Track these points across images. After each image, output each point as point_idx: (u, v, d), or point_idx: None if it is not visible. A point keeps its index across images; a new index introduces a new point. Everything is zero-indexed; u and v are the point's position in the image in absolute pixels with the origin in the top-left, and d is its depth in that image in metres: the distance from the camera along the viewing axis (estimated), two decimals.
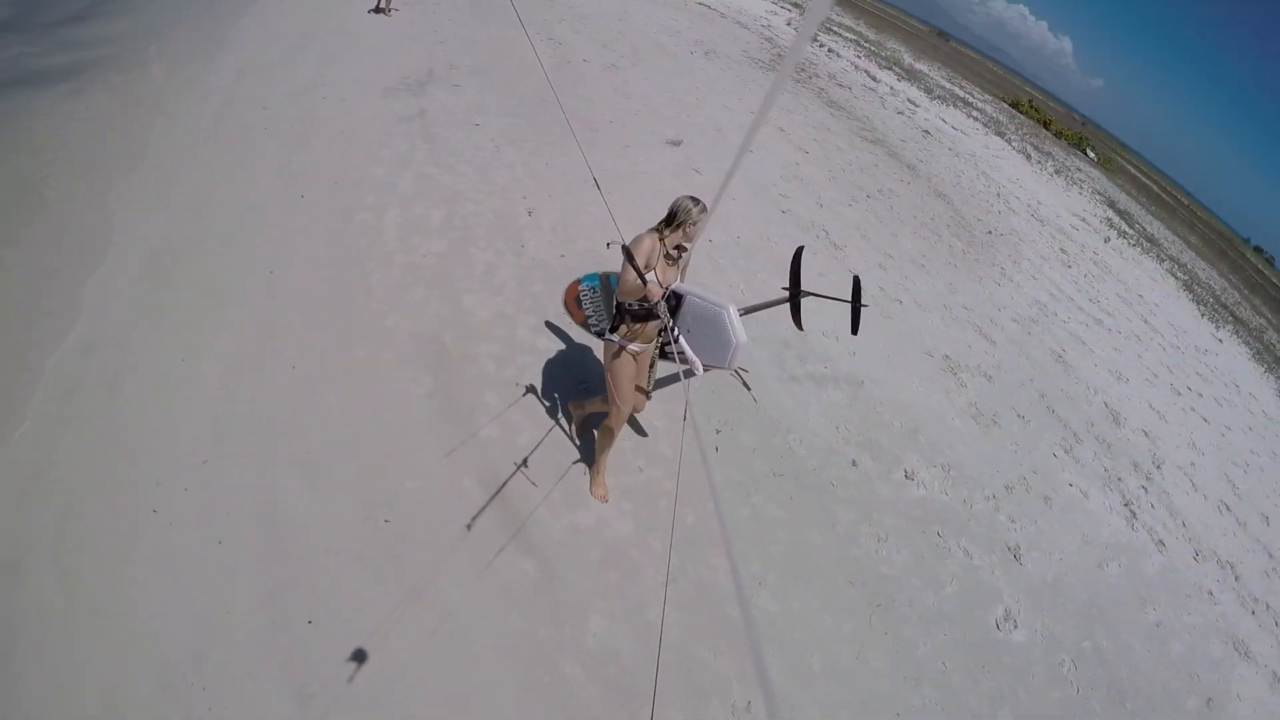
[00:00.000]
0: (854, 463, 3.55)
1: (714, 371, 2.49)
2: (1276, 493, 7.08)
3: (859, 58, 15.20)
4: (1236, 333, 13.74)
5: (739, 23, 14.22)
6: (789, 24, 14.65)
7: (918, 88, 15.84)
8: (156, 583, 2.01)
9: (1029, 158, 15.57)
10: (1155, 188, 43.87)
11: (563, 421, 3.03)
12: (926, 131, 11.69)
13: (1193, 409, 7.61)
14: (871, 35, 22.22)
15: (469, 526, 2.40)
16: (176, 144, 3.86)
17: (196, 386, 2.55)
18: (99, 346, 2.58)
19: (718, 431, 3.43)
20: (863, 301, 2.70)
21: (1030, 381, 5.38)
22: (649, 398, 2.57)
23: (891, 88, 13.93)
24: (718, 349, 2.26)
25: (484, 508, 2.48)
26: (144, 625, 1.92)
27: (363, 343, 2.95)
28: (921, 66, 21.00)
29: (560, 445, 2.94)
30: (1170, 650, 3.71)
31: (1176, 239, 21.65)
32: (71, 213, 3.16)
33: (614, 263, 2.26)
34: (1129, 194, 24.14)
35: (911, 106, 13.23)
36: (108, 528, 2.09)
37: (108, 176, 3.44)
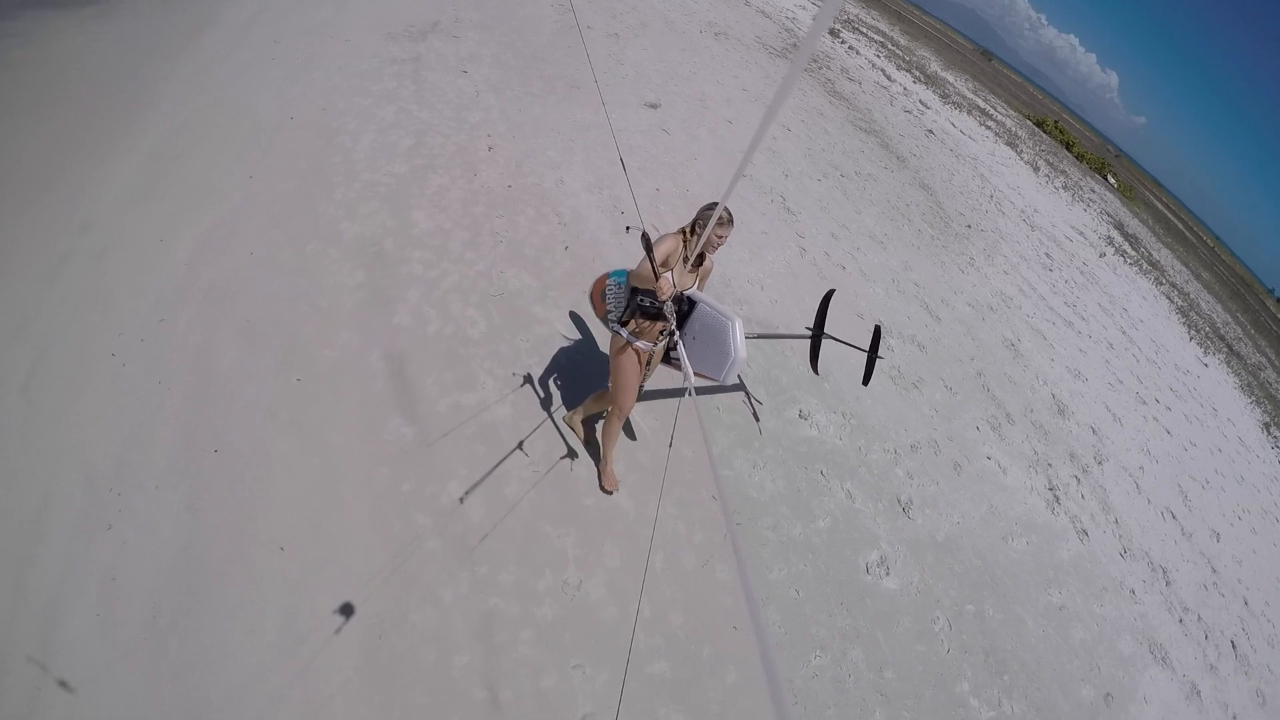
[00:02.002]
0: (759, 402, 3.28)
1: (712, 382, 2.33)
2: (1235, 516, 6.52)
3: (878, 57, 14.16)
4: (1228, 363, 12.65)
5: (762, 11, 13.42)
6: (815, 19, 13.59)
7: (934, 92, 14.78)
8: (100, 409, 2.28)
9: (1036, 170, 14.46)
10: (1178, 223, 40.64)
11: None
12: (930, 131, 10.88)
13: (1156, 419, 7.01)
14: (902, 41, 20.79)
15: (367, 396, 2.57)
16: (189, 65, 3.98)
17: (167, 261, 2.82)
18: (94, 225, 2.85)
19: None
20: (879, 354, 2.54)
21: (970, 360, 4.97)
22: (688, 384, 2.41)
23: (905, 88, 12.99)
24: (716, 360, 2.16)
25: (381, 384, 2.64)
26: (81, 441, 2.18)
27: (315, 240, 3.14)
28: (947, 75, 19.62)
29: (463, 338, 2.95)
30: (1071, 635, 3.41)
31: (1184, 269, 20.09)
32: (86, 117, 3.36)
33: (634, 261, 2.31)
34: (1143, 221, 22.53)
35: (922, 107, 12.33)
36: (72, 366, 2.36)
37: (122, 90, 3.61)
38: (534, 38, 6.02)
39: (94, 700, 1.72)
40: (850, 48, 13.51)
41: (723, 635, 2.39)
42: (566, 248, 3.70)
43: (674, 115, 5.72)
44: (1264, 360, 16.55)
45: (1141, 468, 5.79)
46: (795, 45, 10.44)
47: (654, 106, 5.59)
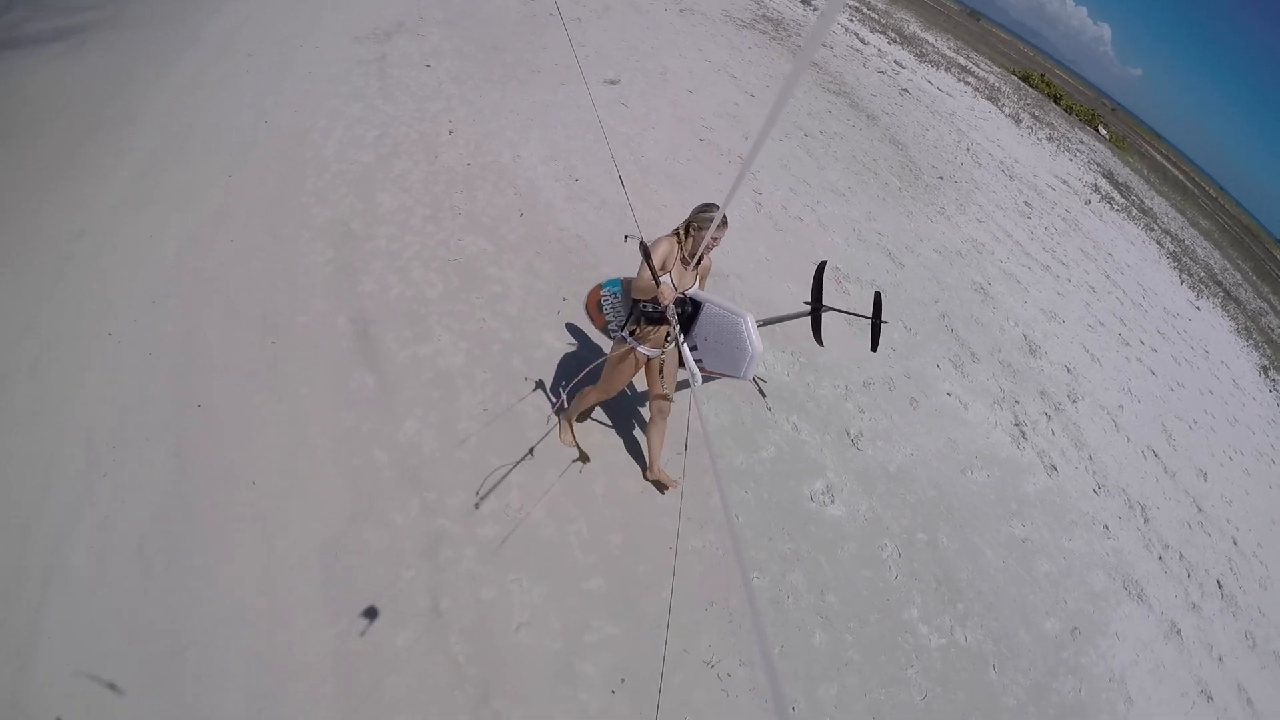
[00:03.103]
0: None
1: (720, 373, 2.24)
2: (1226, 456, 6.15)
3: (852, 21, 13.29)
4: (1224, 307, 11.91)
5: None
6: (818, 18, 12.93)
7: (911, 52, 13.78)
8: (98, 380, 2.44)
9: (1018, 122, 13.51)
10: (1177, 174, 37.63)
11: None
12: (905, 90, 10.21)
13: (1139, 360, 6.66)
14: (880, 5, 19.32)
15: (334, 353, 2.70)
16: (170, 85, 4.08)
17: (157, 255, 2.99)
18: (89, 231, 3.01)
19: (565, 299, 3.22)
20: (883, 318, 2.40)
21: (934, 302, 4.76)
22: (670, 400, 2.34)
23: (880, 50, 12.16)
24: (733, 358, 2.06)
25: (347, 343, 2.75)
26: (82, 408, 2.35)
27: (288, 224, 3.25)
28: (927, 36, 18.23)
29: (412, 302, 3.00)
30: (1034, 568, 3.26)
31: (1180, 217, 18.73)
32: (74, 140, 3.48)
33: (631, 268, 2.24)
34: (1135, 170, 20.87)
35: (897, 68, 11.56)
36: (74, 348, 2.53)
37: (106, 113, 3.73)
38: (496, 29, 5.90)
39: (88, 619, 1.85)
40: (820, 13, 12.80)
41: (659, 555, 2.38)
42: (521, 214, 3.68)
43: (633, 90, 5.56)
44: (1265, 306, 15.46)
45: (1121, 406, 5.51)
46: (764, 16, 10.00)
47: (613, 83, 5.44)
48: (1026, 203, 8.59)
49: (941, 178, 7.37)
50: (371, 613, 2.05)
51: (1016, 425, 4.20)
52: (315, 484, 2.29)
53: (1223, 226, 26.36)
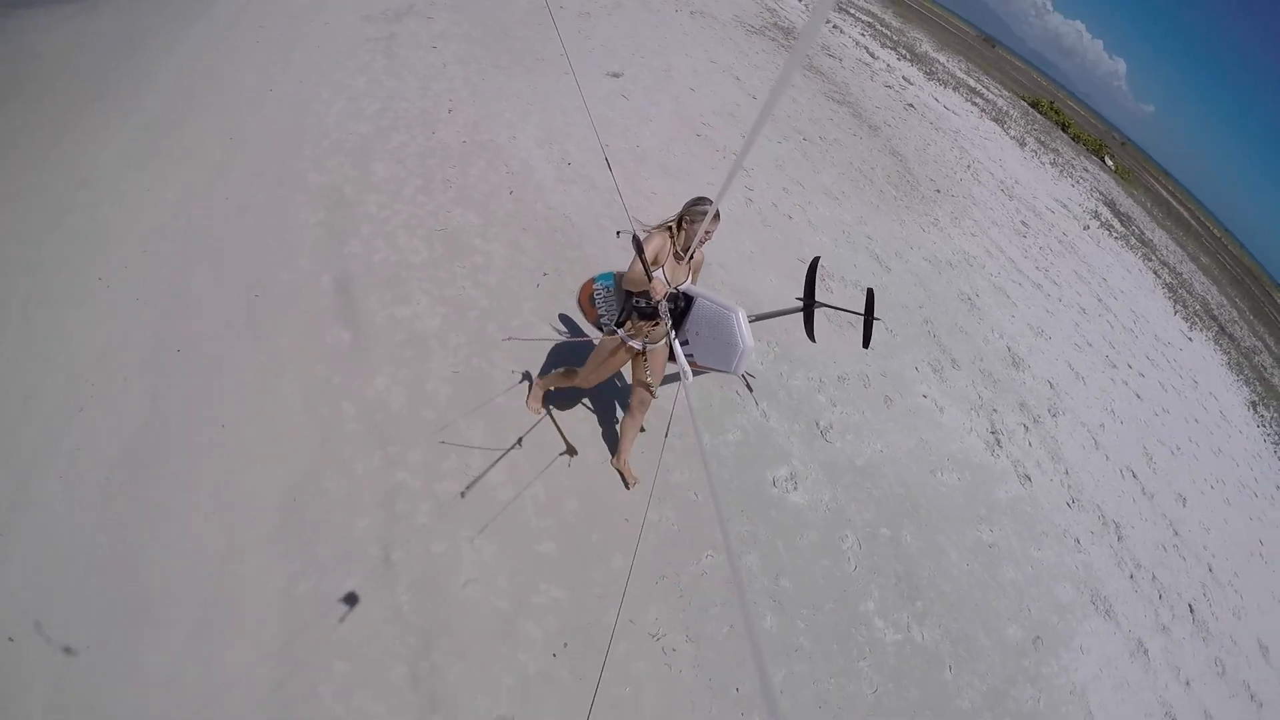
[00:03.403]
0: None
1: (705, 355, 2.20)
2: (1207, 484, 6.06)
3: (863, 36, 13.23)
4: (1217, 341, 11.80)
5: None
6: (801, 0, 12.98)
7: (920, 70, 13.65)
8: (85, 321, 2.47)
9: (1023, 145, 13.42)
10: (1182, 210, 37.20)
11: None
12: (910, 105, 10.15)
13: (1125, 383, 6.60)
14: (894, 23, 19.18)
15: (314, 309, 2.70)
16: (181, 51, 4.12)
17: (155, 206, 3.02)
18: (92, 182, 3.04)
19: (546, 274, 3.21)
20: (875, 315, 2.38)
21: (918, 308, 4.72)
22: (653, 394, 2.31)
23: (889, 65, 12.07)
24: (725, 352, 2.05)
25: (328, 300, 2.75)
26: (67, 345, 2.37)
27: (283, 187, 3.27)
28: (939, 56, 18.10)
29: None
30: (1000, 574, 3.21)
31: (1180, 251, 18.54)
32: (84, 97, 3.53)
33: (619, 256, 2.15)
34: (1138, 202, 20.67)
35: (904, 83, 11.47)
36: (66, 289, 2.56)
37: (117, 72, 3.78)
38: (505, 16, 5.91)
39: (50, 545, 1.85)
40: (835, 27, 12.57)
41: (613, 525, 2.35)
42: (511, 192, 3.69)
43: (636, 84, 5.57)
44: (1259, 344, 15.28)
45: (1102, 425, 5.45)
46: (775, 24, 10.03)
47: (616, 76, 5.46)
48: (1023, 222, 8.54)
49: (939, 191, 7.34)
50: (323, 558, 2.05)
51: (993, 433, 4.17)
52: (282, 431, 2.29)
53: (1223, 265, 26.04)
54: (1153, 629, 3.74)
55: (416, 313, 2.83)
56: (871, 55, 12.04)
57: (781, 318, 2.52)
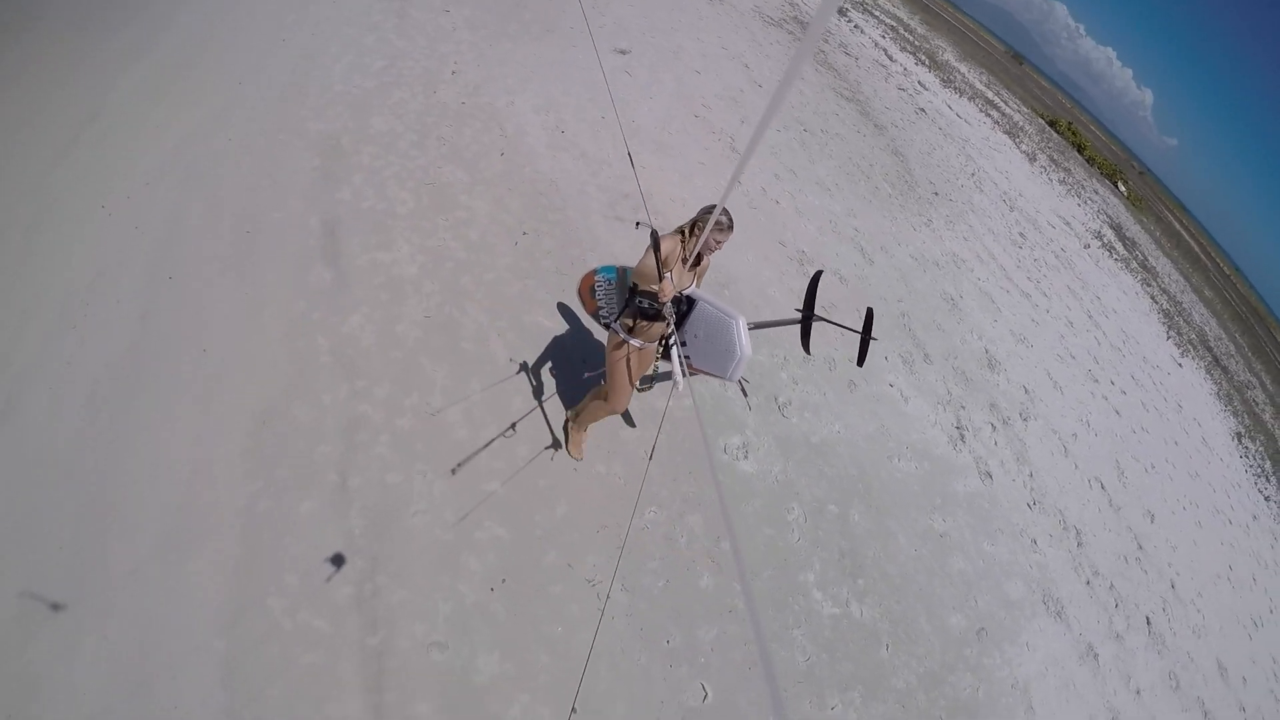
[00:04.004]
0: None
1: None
2: (1179, 505, 5.90)
3: (883, 38, 12.65)
4: (1209, 371, 11.44)
5: None
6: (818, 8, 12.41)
7: (937, 77, 13.03)
8: (84, 247, 2.48)
9: (1033, 160, 12.91)
10: (1192, 244, 35.51)
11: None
12: (922, 109, 9.74)
13: (1105, 398, 6.43)
14: (918, 29, 18.25)
15: (301, 248, 2.72)
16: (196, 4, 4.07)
17: (159, 143, 3.05)
18: (101, 115, 3.06)
19: (525, 233, 3.18)
20: (873, 335, 2.30)
21: (896, 301, 4.61)
22: (677, 387, 2.12)
23: (906, 69, 11.53)
24: (722, 358, 2.00)
25: (315, 240, 2.78)
26: (65, 269, 2.39)
27: (284, 133, 3.27)
28: (960, 66, 17.28)
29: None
30: (949, 563, 3.15)
31: (1183, 281, 17.83)
32: (101, 35, 3.53)
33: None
34: (1146, 230, 19.79)
35: (919, 88, 10.98)
36: (69, 216, 2.58)
37: (136, 11, 3.77)
38: None
39: (34, 451, 1.91)
40: (855, 26, 12.03)
41: (562, 474, 2.35)
42: (502, 154, 3.63)
43: (642, 61, 5.41)
44: (1253, 380, 14.76)
45: (1075, 435, 5.33)
46: (795, 18, 9.67)
47: (623, 52, 5.32)
48: (1021, 234, 8.26)
49: (937, 194, 7.10)
50: (284, 479, 2.08)
51: (958, 428, 4.09)
52: (259, 359, 2.32)
53: (1227, 301, 24.88)
54: (1105, 636, 3.67)
55: (396, 259, 2.83)
56: (889, 58, 11.57)
57: (752, 312, 2.44)
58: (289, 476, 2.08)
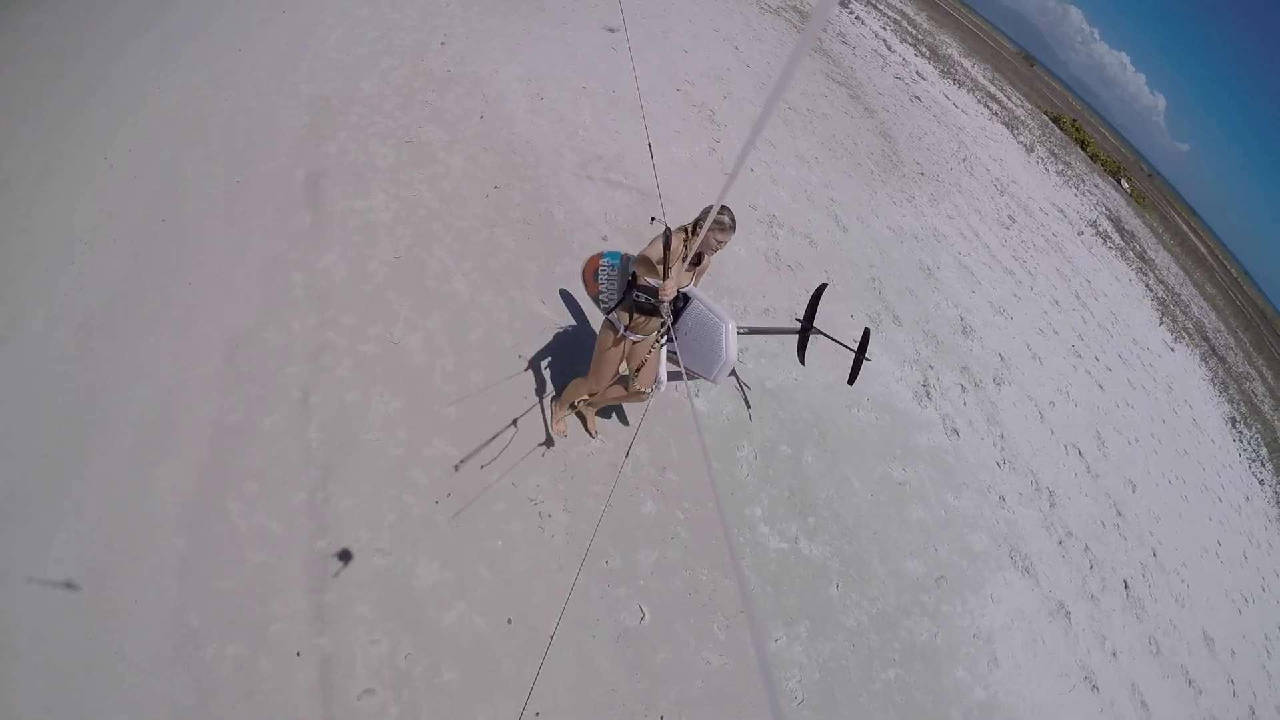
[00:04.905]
0: (604, 239, 3.05)
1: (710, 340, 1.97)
2: (1165, 479, 5.49)
3: (884, 30, 11.85)
4: (1205, 359, 10.62)
5: None
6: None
7: (937, 69, 12.14)
8: (88, 191, 2.51)
9: (1030, 150, 12.02)
10: (1199, 244, 32.51)
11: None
12: (917, 98, 9.16)
13: (1089, 372, 6.00)
14: (924, 24, 16.99)
15: (285, 196, 2.71)
16: None
17: (162, 104, 3.07)
18: (109, 80, 3.08)
19: (496, 187, 3.08)
20: (867, 356, 2.16)
21: (869, 266, 4.34)
22: (659, 388, 2.07)
23: (904, 60, 10.83)
24: (708, 359, 1.90)
25: (299, 189, 2.77)
26: (68, 212, 2.41)
27: (278, 94, 3.26)
28: (964, 61, 16.11)
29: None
30: (907, 511, 2.96)
31: (1183, 275, 16.49)
32: (111, 9, 3.56)
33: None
34: (1149, 225, 18.35)
35: (917, 77, 10.31)
36: (76, 165, 2.60)
37: None
38: None
39: (29, 370, 1.95)
40: (856, 18, 11.31)
41: (513, 400, 2.28)
42: (482, 117, 3.53)
43: (633, 40, 5.22)
44: (1253, 372, 13.61)
45: (1053, 403, 4.96)
46: (795, 7, 9.12)
47: (611, 30, 5.12)
48: (1010, 216, 7.73)
49: (923, 174, 6.68)
50: (252, 396, 2.06)
51: (924, 386, 3.84)
52: (239, 292, 2.32)
53: (1231, 299, 22.91)
54: (1078, 595, 3.43)
55: (372, 206, 2.80)
56: (888, 48, 10.89)
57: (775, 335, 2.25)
58: (256, 393, 2.07)
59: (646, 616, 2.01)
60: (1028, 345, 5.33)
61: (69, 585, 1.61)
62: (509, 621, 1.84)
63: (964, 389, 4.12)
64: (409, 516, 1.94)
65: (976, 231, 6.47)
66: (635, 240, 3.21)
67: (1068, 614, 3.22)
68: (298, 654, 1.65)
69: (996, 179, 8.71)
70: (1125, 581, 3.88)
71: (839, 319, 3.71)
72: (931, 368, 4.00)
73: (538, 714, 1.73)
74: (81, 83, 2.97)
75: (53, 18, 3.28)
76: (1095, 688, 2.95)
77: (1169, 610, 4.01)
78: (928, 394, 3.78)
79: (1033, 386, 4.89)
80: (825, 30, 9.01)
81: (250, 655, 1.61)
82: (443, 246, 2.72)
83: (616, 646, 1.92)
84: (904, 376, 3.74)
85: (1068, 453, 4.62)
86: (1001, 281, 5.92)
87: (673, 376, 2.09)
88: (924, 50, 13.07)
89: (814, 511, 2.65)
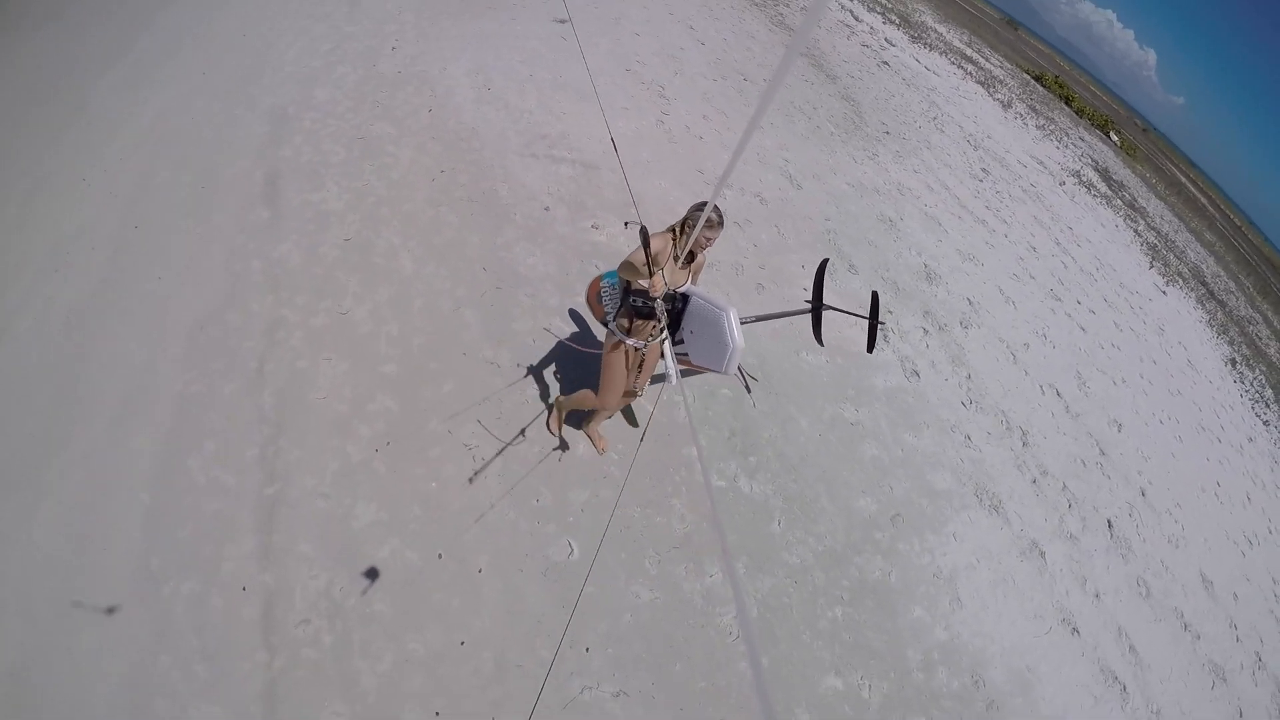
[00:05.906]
0: (546, 209, 2.91)
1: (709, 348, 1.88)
2: (1155, 419, 4.94)
3: (852, 1, 11.15)
4: (1201, 302, 9.55)
5: None
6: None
7: (907, 35, 11.17)
8: (69, 209, 2.57)
9: (1007, 106, 10.95)
10: (1199, 195, 28.67)
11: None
12: (885, 63, 8.47)
13: (1069, 315, 5.45)
14: None
15: (246, 196, 2.70)
16: (176, 6, 4.13)
17: (134, 124, 3.11)
18: (88, 107, 3.12)
19: (442, 171, 3.00)
20: (880, 319, 2.03)
21: (824, 219, 4.04)
22: (638, 394, 2.01)
23: (872, 28, 9.99)
24: (716, 351, 1.80)
25: (258, 189, 2.75)
26: (51, 226, 2.47)
27: (239, 108, 3.26)
28: (939, 28, 14.73)
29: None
30: (860, 450, 2.71)
31: (1178, 222, 14.81)
32: (90, 37, 3.63)
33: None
34: (1139, 175, 16.51)
35: (885, 44, 9.52)
36: (58, 187, 2.65)
37: (120, 17, 3.85)
38: None
39: (17, 364, 2.02)
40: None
41: (451, 359, 2.23)
42: (430, 110, 3.43)
43: (580, 29, 4.95)
44: (1256, 316, 12.14)
45: (1027, 345, 4.49)
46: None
47: (561, 22, 4.88)
48: (984, 169, 7.09)
49: (888, 133, 6.17)
50: (213, 368, 2.08)
51: (880, 328, 3.52)
52: (204, 281, 2.35)
53: (1232, 245, 20.35)
54: (1055, 535, 3.08)
55: (325, 197, 2.78)
56: (855, 18, 10.08)
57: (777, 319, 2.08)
58: (218, 366, 2.10)
59: (575, 551, 1.93)
60: (1000, 290, 4.89)
61: (52, 547, 1.66)
62: (439, 556, 1.79)
63: (926, 332, 3.80)
64: (350, 464, 1.92)
65: (946, 184, 5.97)
66: (578, 209, 3.06)
67: (1042, 554, 2.91)
68: (244, 589, 1.65)
69: (970, 135, 8.01)
70: (1109, 521, 3.48)
71: (789, 270, 3.46)
72: (890, 312, 3.70)
73: (462, 642, 1.67)
74: (60, 113, 3.05)
75: (34, 49, 3.38)
76: (1075, 630, 2.66)
77: (1160, 551, 3.58)
78: (884, 337, 3.47)
79: (1005, 330, 4.47)
80: (788, 5, 8.40)
81: (202, 592, 1.63)
82: (390, 228, 2.67)
83: (544, 580, 1.85)
84: (858, 322, 3.45)
85: (1044, 393, 4.19)
86: (971, 230, 5.45)
87: (686, 375, 1.94)
88: (893, 18, 12.07)
89: (756, 451, 2.45)
